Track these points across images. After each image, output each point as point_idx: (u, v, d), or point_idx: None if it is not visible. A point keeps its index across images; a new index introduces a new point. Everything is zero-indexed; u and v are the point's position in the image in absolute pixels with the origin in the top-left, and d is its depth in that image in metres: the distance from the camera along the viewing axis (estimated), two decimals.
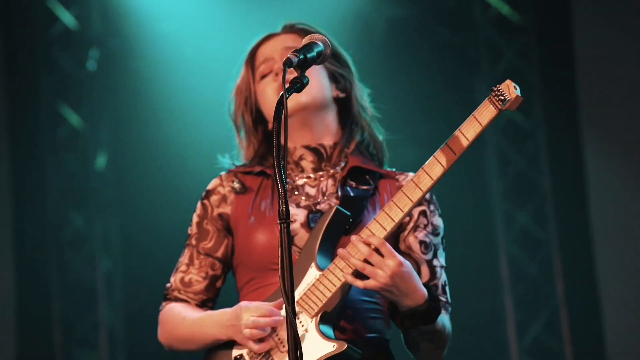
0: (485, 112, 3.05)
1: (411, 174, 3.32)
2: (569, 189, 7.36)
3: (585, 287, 7.20)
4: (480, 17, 7.45)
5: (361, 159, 3.38)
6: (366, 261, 3.05)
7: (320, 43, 2.91)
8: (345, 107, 3.43)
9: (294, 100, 3.27)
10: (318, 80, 3.35)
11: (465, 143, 3.05)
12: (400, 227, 3.28)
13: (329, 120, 3.40)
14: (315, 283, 3.13)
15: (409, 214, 3.21)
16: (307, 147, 3.38)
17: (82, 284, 7.27)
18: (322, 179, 3.37)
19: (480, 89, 7.44)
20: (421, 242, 3.30)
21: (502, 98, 3.02)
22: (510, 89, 3.03)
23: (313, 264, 3.16)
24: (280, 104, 2.70)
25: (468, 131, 3.06)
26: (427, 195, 3.32)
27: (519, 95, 3.02)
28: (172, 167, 7.26)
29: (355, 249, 3.07)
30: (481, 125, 3.05)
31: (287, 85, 2.77)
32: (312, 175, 3.37)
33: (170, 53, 7.35)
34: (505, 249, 7.39)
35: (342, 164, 3.37)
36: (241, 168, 3.46)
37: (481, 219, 7.43)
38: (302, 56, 2.83)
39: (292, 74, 2.81)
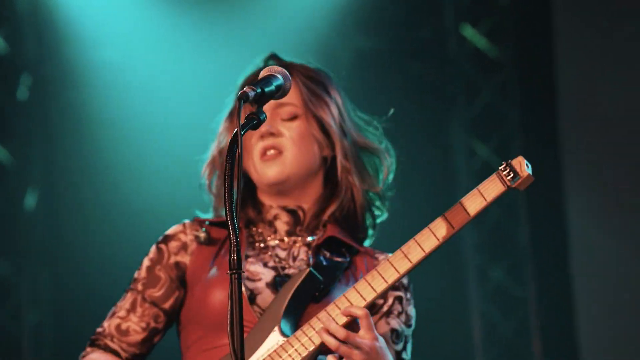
0: (492, 188, 3.10)
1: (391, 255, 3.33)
2: (548, 242, 7.38)
3: (566, 349, 7.21)
4: (455, 51, 7.52)
5: (339, 230, 3.38)
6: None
7: (279, 76, 2.89)
8: (333, 166, 3.43)
9: (274, 172, 3.31)
10: (305, 147, 3.35)
11: (465, 218, 3.08)
12: (370, 309, 3.27)
13: (313, 182, 3.41)
14: (278, 349, 3.11)
15: (384, 294, 3.22)
16: (284, 208, 3.39)
17: (6, 339, 7.16)
18: (295, 244, 3.37)
19: (455, 128, 7.47)
20: (392, 330, 3.29)
21: (512, 175, 3.07)
22: (522, 167, 3.07)
23: (276, 328, 3.13)
24: (234, 142, 2.69)
25: (470, 205, 3.09)
26: (405, 280, 3.34)
27: (531, 174, 3.07)
28: (111, 208, 7.20)
29: (328, 320, 3.05)
30: (486, 200, 3.08)
31: (242, 121, 2.76)
32: (285, 239, 3.38)
33: (112, 81, 7.31)
34: (478, 307, 7.39)
35: (319, 233, 3.38)
36: (209, 219, 3.44)
37: (452, 274, 7.43)
38: (259, 90, 2.81)
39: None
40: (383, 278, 3.10)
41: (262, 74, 2.91)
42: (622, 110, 7.12)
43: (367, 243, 3.47)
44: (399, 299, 3.33)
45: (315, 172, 3.41)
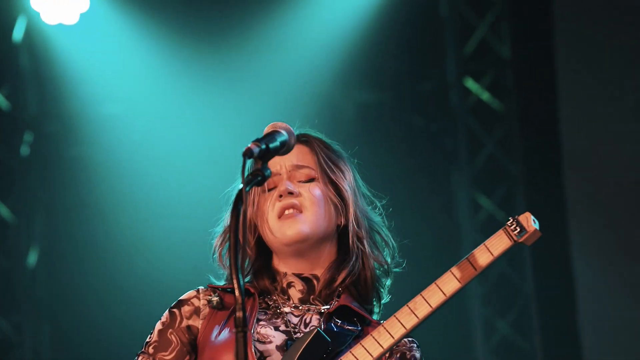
0: (499, 243, 3.13)
1: None
2: (554, 293, 7.37)
3: None
4: (458, 104, 7.55)
5: (352, 300, 3.37)
6: None
7: (284, 132, 2.90)
8: (345, 234, 3.41)
9: (294, 230, 3.29)
10: (323, 208, 3.33)
11: (472, 273, 3.11)
12: None
13: (328, 248, 3.39)
14: None
15: (390, 350, 3.21)
16: (299, 276, 3.39)
17: None
18: (308, 312, 3.36)
19: (458, 181, 7.49)
20: None
21: (518, 230, 3.12)
22: (529, 222, 3.12)
23: None
24: (239, 199, 2.68)
25: (476, 261, 3.12)
26: (418, 355, 3.31)
27: (538, 229, 3.12)
28: (113, 266, 7.19)
29: None
30: (492, 255, 3.12)
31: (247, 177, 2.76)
32: (299, 307, 3.36)
33: (114, 138, 7.34)
34: None
35: (332, 302, 3.36)
36: (222, 285, 3.41)
37: (457, 327, 7.40)
38: (263, 146, 2.83)
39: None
40: (390, 334, 3.10)
41: (267, 130, 2.91)
42: (627, 161, 7.14)
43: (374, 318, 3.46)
44: None
45: (331, 237, 3.39)
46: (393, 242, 3.44)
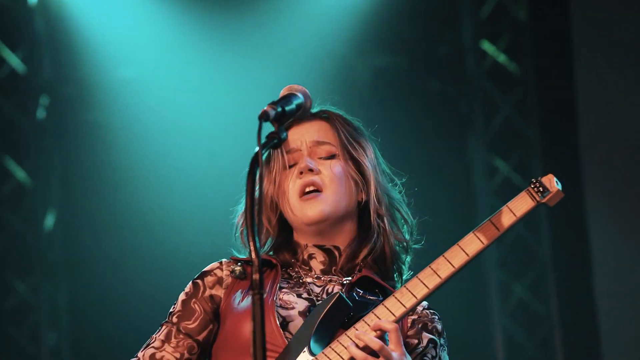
0: (521, 204, 3.15)
1: (424, 304, 3.35)
2: (570, 257, 7.38)
3: None
4: (474, 67, 7.53)
5: (373, 272, 3.40)
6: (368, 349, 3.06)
7: (299, 95, 2.91)
8: (366, 210, 3.42)
9: (316, 211, 3.31)
10: (344, 185, 3.35)
11: (495, 233, 3.13)
12: (406, 347, 3.30)
13: (348, 224, 3.41)
14: None
15: (413, 310, 3.27)
16: (320, 247, 3.40)
17: None
18: (330, 282, 3.39)
19: (473, 145, 7.47)
20: None
21: (541, 190, 3.13)
22: (552, 183, 3.13)
23: (306, 349, 3.14)
24: (256, 161, 2.69)
25: (499, 222, 3.13)
26: (439, 326, 3.35)
27: (561, 190, 3.13)
28: (130, 229, 7.23)
29: (360, 333, 3.07)
30: (515, 216, 3.13)
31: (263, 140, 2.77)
32: (321, 277, 3.39)
33: (130, 101, 7.35)
34: (500, 323, 7.38)
35: (354, 275, 3.38)
36: (245, 258, 3.43)
37: (474, 290, 7.42)
38: (279, 109, 2.82)
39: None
40: (412, 294, 3.12)
41: (283, 92, 2.91)
42: None
43: None
44: (433, 344, 3.33)
45: (351, 214, 3.41)
46: (412, 219, 3.46)
